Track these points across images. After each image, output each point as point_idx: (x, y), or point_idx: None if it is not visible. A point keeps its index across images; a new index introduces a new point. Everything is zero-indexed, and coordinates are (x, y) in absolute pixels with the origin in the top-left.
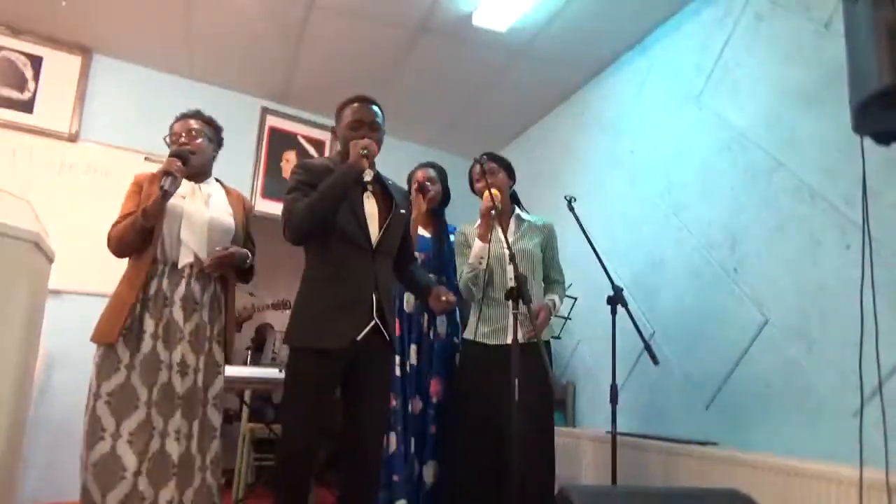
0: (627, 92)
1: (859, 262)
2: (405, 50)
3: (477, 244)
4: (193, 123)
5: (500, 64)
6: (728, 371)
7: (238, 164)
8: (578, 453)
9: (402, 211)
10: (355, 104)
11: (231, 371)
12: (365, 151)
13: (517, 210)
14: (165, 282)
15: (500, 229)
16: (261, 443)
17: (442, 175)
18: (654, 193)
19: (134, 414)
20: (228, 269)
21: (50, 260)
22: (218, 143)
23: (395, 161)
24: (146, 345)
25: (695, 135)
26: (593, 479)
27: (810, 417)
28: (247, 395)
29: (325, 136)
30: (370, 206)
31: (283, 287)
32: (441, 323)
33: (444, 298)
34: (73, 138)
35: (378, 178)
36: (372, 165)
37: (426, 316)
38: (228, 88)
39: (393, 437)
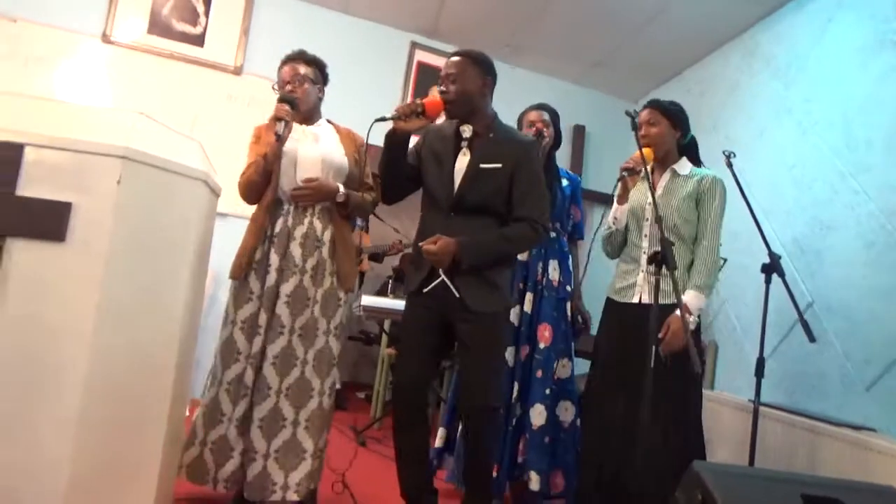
0: (808, 32)
1: None
2: None
3: (614, 204)
4: (300, 68)
5: None
6: None
7: (385, 97)
8: (715, 419)
9: (491, 166)
10: (446, 60)
11: (369, 301)
12: (394, 114)
13: (677, 163)
14: (290, 220)
15: (647, 184)
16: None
17: (555, 118)
18: (830, 149)
19: (256, 339)
20: (323, 202)
21: (217, 194)
22: (323, 80)
23: (541, 98)
24: (270, 278)
25: (887, 86)
26: (729, 449)
27: None
28: (386, 323)
29: None
30: (461, 163)
31: None
32: (553, 270)
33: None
34: (237, 71)
35: (484, 132)
36: (474, 120)
37: (540, 264)
38: (381, 23)
39: None
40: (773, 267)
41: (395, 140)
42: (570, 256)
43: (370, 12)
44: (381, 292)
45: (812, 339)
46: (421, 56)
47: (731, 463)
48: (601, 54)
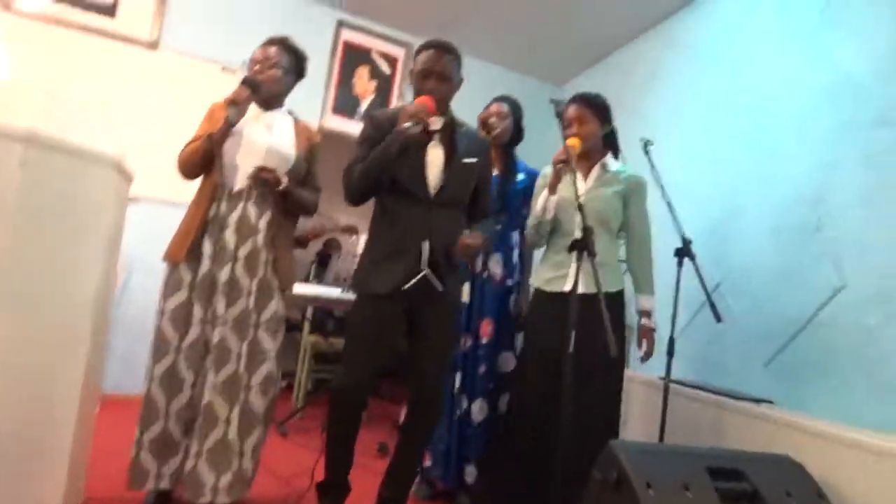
0: (730, 20)
1: None
2: None
3: (544, 194)
4: (273, 52)
5: None
6: (794, 331)
7: (310, 78)
8: (628, 396)
9: (470, 160)
10: (429, 51)
11: (294, 287)
12: (409, 124)
13: (607, 157)
14: (224, 205)
15: (579, 175)
16: (320, 355)
17: (515, 110)
18: (742, 136)
19: (191, 330)
20: (268, 187)
21: (130, 179)
22: (298, 73)
23: (473, 82)
24: (204, 266)
25: (800, 76)
26: (641, 425)
27: (878, 390)
28: (309, 310)
29: (399, 52)
30: (434, 156)
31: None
32: (495, 264)
33: (465, 242)
34: (153, 45)
35: (450, 126)
36: (444, 112)
37: (481, 256)
38: None
39: None
40: (685, 251)
41: (408, 147)
42: (515, 250)
43: None
44: (304, 278)
45: (718, 319)
46: (347, 35)
47: (644, 437)
48: (530, 39)
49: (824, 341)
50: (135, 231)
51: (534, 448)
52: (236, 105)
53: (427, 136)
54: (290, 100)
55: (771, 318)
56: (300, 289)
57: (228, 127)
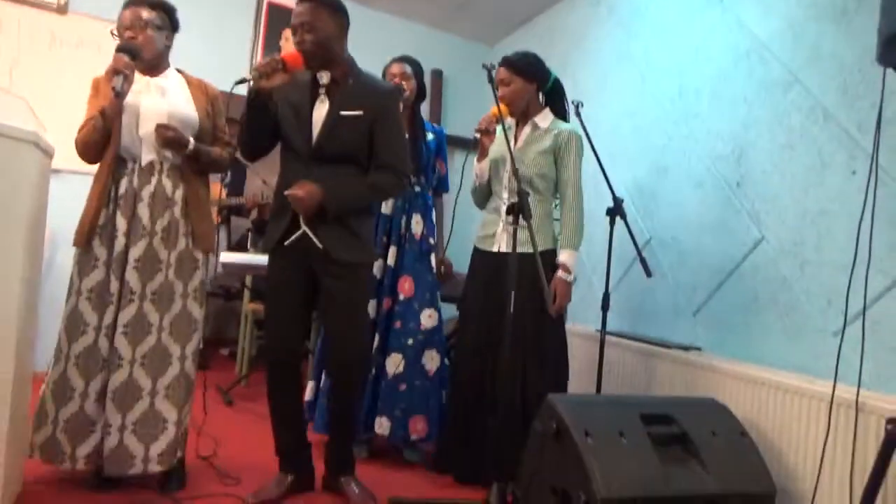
0: None
1: (863, 188)
2: None
3: (474, 162)
4: (143, 13)
5: None
6: (719, 282)
7: (235, 40)
8: (568, 349)
9: (351, 113)
10: (296, 6)
11: (228, 257)
12: (254, 74)
13: (539, 115)
14: (136, 180)
15: (511, 137)
16: (262, 322)
17: (417, 69)
18: (665, 97)
19: (108, 309)
20: (175, 150)
21: (49, 155)
22: (172, 27)
23: (399, 42)
24: (118, 243)
25: (713, 40)
26: (579, 375)
27: (793, 333)
28: (248, 278)
29: None
30: (321, 111)
31: None
32: (417, 223)
33: (289, 192)
34: (61, 9)
35: (342, 79)
36: (332, 66)
37: (404, 217)
38: None
39: None
40: (616, 210)
41: (259, 100)
42: (433, 210)
43: None
44: (241, 246)
45: (649, 274)
46: None
47: (583, 386)
48: None
49: (746, 290)
50: (58, 206)
51: (477, 400)
52: (118, 73)
53: (266, 91)
54: (217, 63)
55: (697, 269)
56: (237, 258)
57: (119, 97)
